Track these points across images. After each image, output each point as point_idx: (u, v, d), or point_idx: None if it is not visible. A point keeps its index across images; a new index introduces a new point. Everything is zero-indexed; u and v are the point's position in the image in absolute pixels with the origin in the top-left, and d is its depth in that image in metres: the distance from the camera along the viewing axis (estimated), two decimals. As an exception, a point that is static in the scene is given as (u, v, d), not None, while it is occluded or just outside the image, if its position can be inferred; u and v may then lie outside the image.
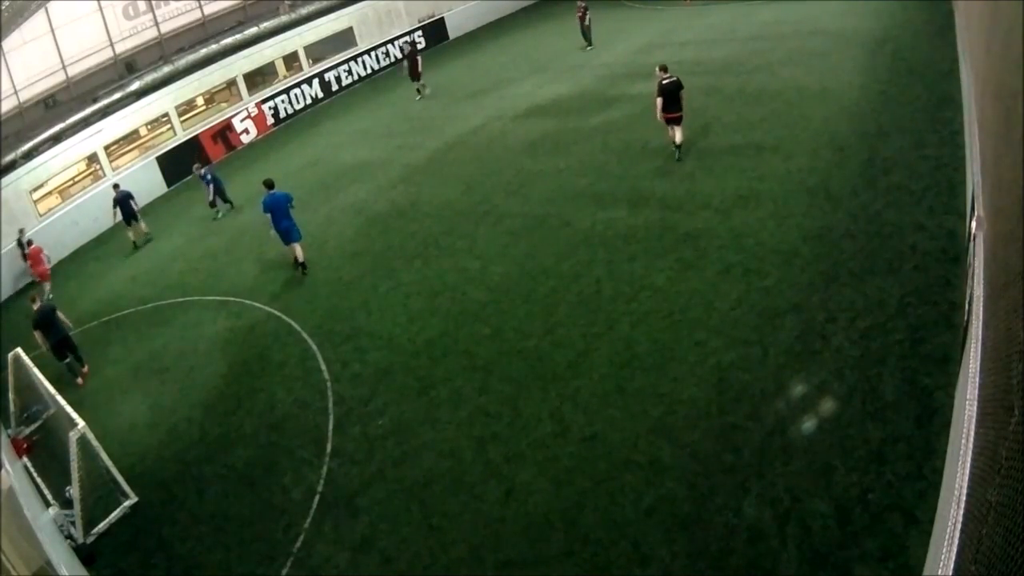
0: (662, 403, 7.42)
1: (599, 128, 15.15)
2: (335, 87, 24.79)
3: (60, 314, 11.51)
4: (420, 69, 21.55)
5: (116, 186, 17.03)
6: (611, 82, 18.01)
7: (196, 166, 17.60)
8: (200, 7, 22.85)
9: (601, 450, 7.09)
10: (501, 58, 23.57)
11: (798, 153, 11.62)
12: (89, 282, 15.68)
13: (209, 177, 16.72)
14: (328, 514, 7.42)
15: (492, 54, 24.49)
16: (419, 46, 22.99)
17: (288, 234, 12.17)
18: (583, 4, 21.57)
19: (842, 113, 12.54)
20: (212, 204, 16.83)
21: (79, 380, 11.38)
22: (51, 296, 14.65)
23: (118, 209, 16.37)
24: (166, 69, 21.06)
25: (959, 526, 3.14)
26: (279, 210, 11.93)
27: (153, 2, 21.43)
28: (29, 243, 15.41)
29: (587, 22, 21.59)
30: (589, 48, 21.58)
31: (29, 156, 17.63)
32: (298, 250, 12.33)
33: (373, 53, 25.83)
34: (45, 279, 15.18)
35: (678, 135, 12.51)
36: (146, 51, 21.54)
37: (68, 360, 11.51)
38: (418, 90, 21.62)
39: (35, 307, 11.49)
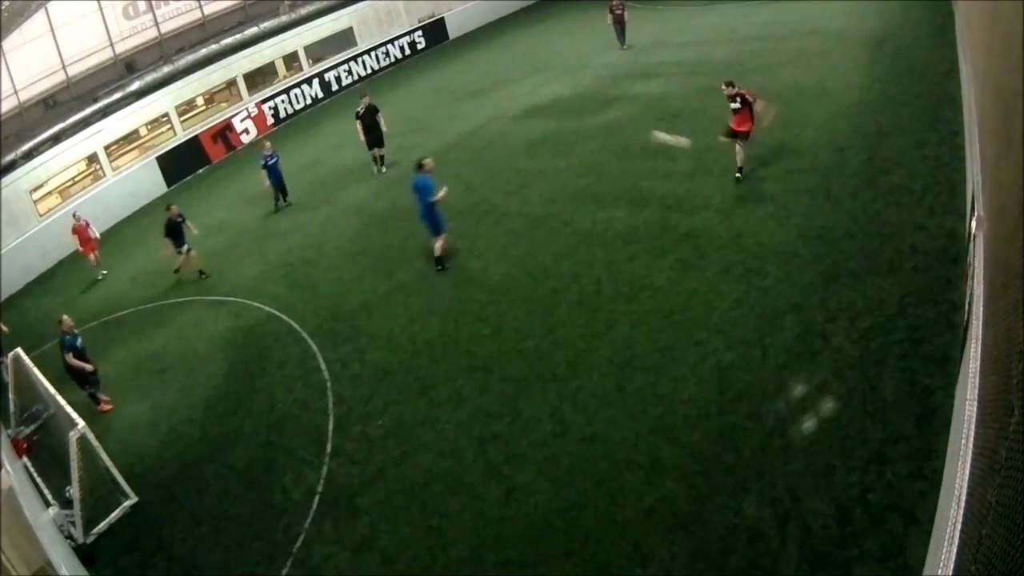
0: (662, 403, 7.42)
1: (599, 128, 15.14)
2: (335, 87, 24.78)
3: (84, 353, 10.46)
4: (386, 128, 16.10)
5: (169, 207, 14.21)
6: (611, 82, 18.00)
7: (267, 145, 15.77)
8: (200, 7, 22.82)
9: (601, 450, 7.09)
10: (501, 58, 23.56)
11: (798, 153, 11.61)
12: (89, 282, 15.67)
13: (272, 161, 15.21)
14: (328, 514, 7.42)
15: (492, 54, 24.48)
16: (376, 110, 15.91)
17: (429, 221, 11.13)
18: (619, 4, 20.42)
19: (842, 113, 12.53)
20: (277, 195, 15.67)
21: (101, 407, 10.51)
22: (105, 273, 15.45)
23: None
24: (166, 69, 21.05)
25: (959, 526, 3.14)
26: (421, 193, 10.88)
27: (153, 2, 21.41)
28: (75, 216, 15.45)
29: (624, 21, 20.57)
30: (626, 48, 20.54)
31: (29, 156, 17.61)
32: (436, 244, 11.23)
33: (373, 53, 25.82)
34: (90, 251, 15.33)
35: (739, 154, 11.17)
36: (146, 51, 21.50)
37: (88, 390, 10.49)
38: (381, 159, 16.33)
39: (61, 328, 10.38)
